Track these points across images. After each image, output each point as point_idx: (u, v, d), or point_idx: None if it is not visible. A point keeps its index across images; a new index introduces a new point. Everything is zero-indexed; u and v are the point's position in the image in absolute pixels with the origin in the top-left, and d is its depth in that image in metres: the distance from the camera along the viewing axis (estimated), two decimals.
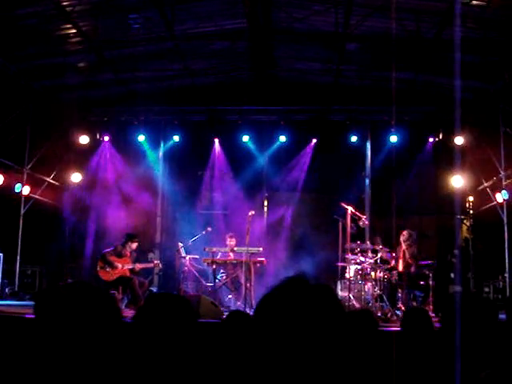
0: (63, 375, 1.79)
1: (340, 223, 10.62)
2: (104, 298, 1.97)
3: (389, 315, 9.34)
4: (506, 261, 11.15)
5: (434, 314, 8.45)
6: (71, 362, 1.81)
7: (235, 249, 10.95)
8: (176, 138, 14.07)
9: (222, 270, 11.19)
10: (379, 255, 10.26)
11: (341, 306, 1.41)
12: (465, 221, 13.39)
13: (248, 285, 10.32)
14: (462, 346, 1.72)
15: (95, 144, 14.24)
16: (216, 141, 14.33)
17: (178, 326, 1.93)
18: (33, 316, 1.89)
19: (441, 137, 13.48)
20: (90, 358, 1.83)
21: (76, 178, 13.76)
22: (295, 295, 1.38)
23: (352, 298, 9.87)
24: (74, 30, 10.69)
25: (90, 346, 1.84)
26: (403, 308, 9.69)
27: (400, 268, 10.35)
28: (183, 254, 10.99)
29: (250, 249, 10.42)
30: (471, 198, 13.25)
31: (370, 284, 10.01)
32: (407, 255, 10.41)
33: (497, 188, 11.76)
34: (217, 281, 10.76)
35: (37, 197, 13.02)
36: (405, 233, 10.61)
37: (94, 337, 1.87)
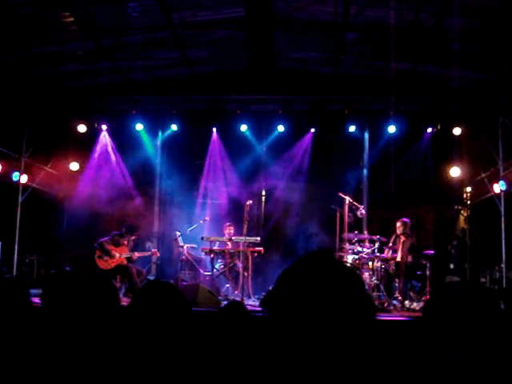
0: (63, 361, 1.81)
1: (338, 213, 10.65)
2: (106, 286, 1.98)
3: (385, 305, 9.41)
4: (503, 251, 11.18)
5: None
6: (73, 348, 1.83)
7: (233, 238, 10.98)
8: (174, 127, 14.04)
9: (219, 260, 11.22)
10: (376, 245, 10.29)
11: (365, 290, 1.33)
12: (462, 211, 13.43)
13: (246, 274, 10.38)
14: (457, 335, 1.73)
15: (93, 133, 14.21)
16: (214, 130, 14.31)
17: (171, 314, 1.95)
18: (39, 301, 1.93)
19: (439, 127, 13.46)
20: (90, 345, 1.85)
21: (74, 166, 13.76)
22: (321, 270, 1.29)
23: None
24: (72, 18, 10.63)
25: (91, 333, 1.86)
26: (400, 298, 9.75)
27: (397, 258, 10.38)
28: (181, 243, 11.02)
29: (247, 238, 10.46)
30: (469, 189, 13.28)
31: (367, 274, 10.04)
32: (405, 247, 10.42)
33: (494, 179, 11.77)
34: (215, 270, 10.79)
35: (35, 185, 13.00)
36: (398, 224, 10.61)
37: (94, 324, 1.88)
